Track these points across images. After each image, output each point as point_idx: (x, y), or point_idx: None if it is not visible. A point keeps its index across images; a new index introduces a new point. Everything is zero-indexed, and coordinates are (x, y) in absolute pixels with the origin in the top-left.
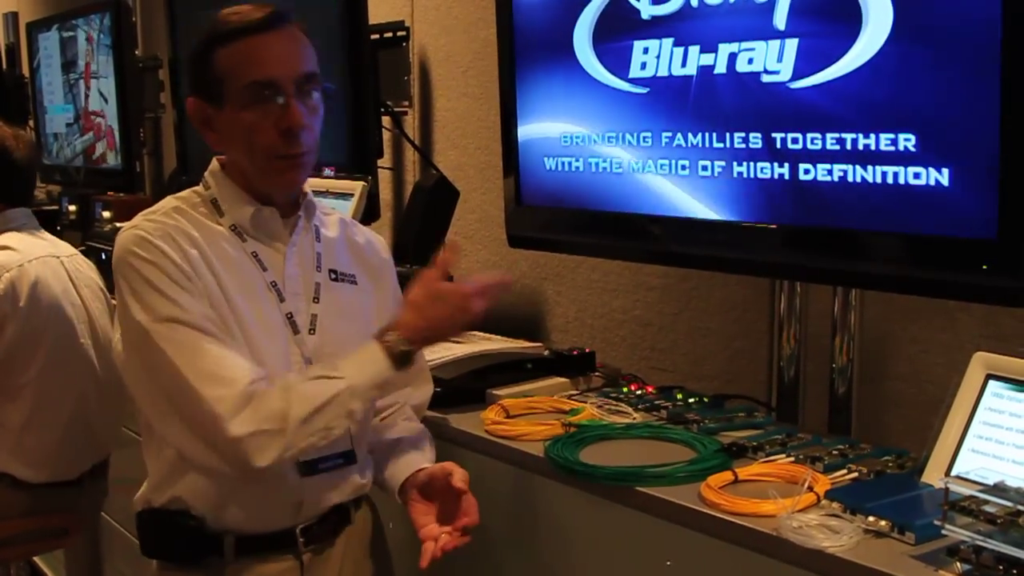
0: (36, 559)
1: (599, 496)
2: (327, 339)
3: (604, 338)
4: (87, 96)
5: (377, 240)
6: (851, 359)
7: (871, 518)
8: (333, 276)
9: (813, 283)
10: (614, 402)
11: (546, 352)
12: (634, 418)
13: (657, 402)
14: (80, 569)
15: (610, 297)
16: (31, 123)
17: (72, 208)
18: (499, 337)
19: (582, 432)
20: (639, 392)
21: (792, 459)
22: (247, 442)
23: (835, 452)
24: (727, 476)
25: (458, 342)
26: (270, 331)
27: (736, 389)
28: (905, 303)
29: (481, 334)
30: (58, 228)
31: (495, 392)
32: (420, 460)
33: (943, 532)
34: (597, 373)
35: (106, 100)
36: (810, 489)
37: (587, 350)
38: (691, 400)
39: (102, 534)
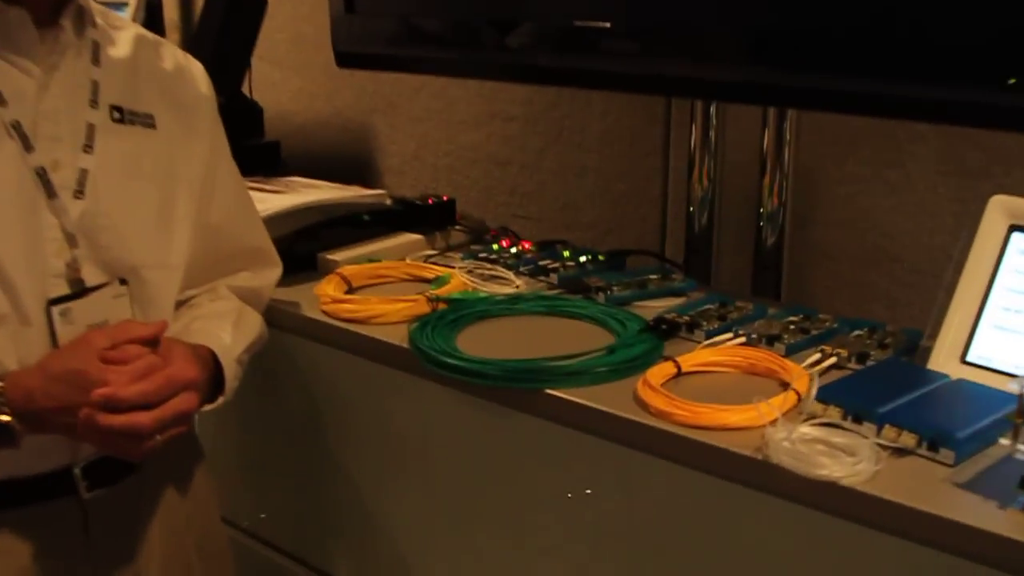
0: None
1: (490, 401)
2: (104, 206)
3: (450, 181)
4: None
5: (195, 67)
6: (783, 202)
7: (887, 429)
8: (117, 115)
9: (735, 103)
10: (487, 265)
11: (389, 201)
12: (517, 286)
13: (541, 263)
14: None
15: (458, 130)
16: None
17: None
18: (325, 183)
19: (455, 309)
20: (514, 250)
21: (742, 339)
22: None
23: (792, 327)
24: (667, 368)
25: (276, 190)
26: (4, 195)
27: (620, 241)
28: (840, 129)
29: (302, 179)
30: None
31: (330, 257)
32: (204, 339)
33: (1019, 454)
34: (458, 227)
35: None
36: (785, 386)
37: (444, 198)
38: (583, 259)
39: None
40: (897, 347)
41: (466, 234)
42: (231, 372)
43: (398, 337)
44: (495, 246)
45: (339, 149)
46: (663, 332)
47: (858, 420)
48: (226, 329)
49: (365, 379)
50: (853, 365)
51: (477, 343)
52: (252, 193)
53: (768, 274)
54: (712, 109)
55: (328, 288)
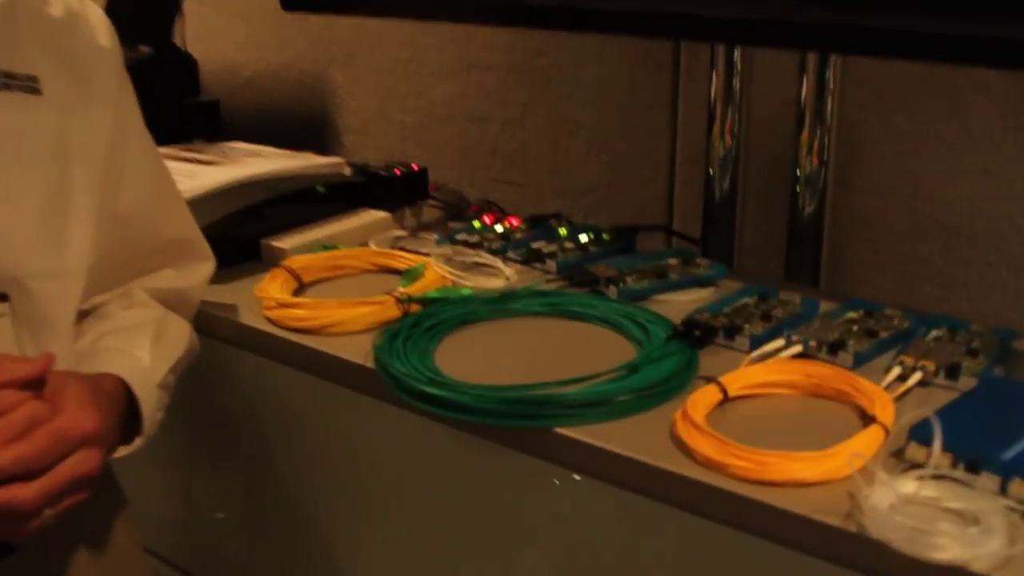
0: None
1: (482, 438)
2: None
3: (420, 141)
4: None
5: (92, 12)
6: (824, 162)
7: (1018, 483)
8: None
9: (767, 47)
10: (469, 250)
11: (347, 171)
12: (507, 278)
13: (534, 245)
14: None
15: (428, 83)
16: None
17: None
18: (270, 150)
19: (432, 314)
20: (499, 228)
21: (797, 347)
22: None
23: (854, 328)
24: (711, 395)
25: (210, 161)
26: None
27: (620, 211)
28: (885, 76)
29: (243, 145)
30: None
31: (276, 244)
32: (113, 365)
33: None
34: (431, 200)
35: None
36: (865, 416)
37: (414, 166)
38: (584, 239)
39: None
40: (989, 353)
41: (441, 210)
42: (151, 403)
43: (361, 352)
44: (476, 223)
45: (291, 108)
46: (696, 340)
47: (973, 469)
48: (143, 346)
49: (321, 403)
50: (942, 381)
51: (462, 359)
52: (181, 166)
53: (805, 249)
54: (736, 54)
55: (272, 288)
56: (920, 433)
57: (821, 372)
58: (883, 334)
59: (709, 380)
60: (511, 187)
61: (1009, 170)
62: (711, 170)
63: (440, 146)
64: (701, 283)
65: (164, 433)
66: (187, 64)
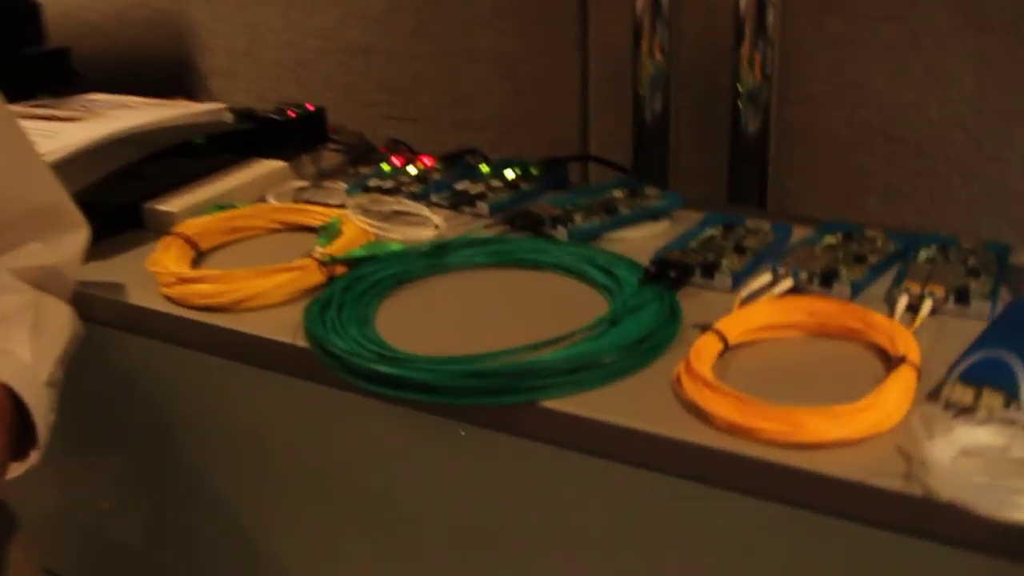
0: None
1: (450, 418)
2: None
3: (298, 80)
4: None
5: None
6: (768, 76)
7: None
8: None
9: None
10: (387, 196)
11: (229, 117)
12: (437, 227)
13: (458, 186)
14: None
15: (301, 14)
16: None
17: None
18: (136, 99)
19: (361, 277)
20: (413, 170)
21: (788, 280)
22: None
23: (840, 254)
24: (710, 344)
25: (71, 117)
26: None
27: (529, 142)
28: None
29: (105, 97)
30: None
31: (162, 208)
32: None
33: None
34: (332, 145)
35: None
36: (885, 357)
37: (310, 107)
38: (510, 175)
39: None
40: (990, 272)
41: (344, 154)
42: (42, 406)
43: (287, 328)
44: (386, 166)
45: (147, 51)
46: (673, 281)
47: None
48: (21, 340)
49: (240, 392)
50: (952, 307)
51: (407, 327)
52: (38, 124)
53: (749, 169)
54: None
55: (167, 260)
56: (972, 372)
57: (824, 308)
58: (872, 259)
59: (703, 329)
60: (405, 124)
61: (958, 71)
62: (640, 91)
63: (320, 84)
64: (654, 216)
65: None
66: (28, 7)
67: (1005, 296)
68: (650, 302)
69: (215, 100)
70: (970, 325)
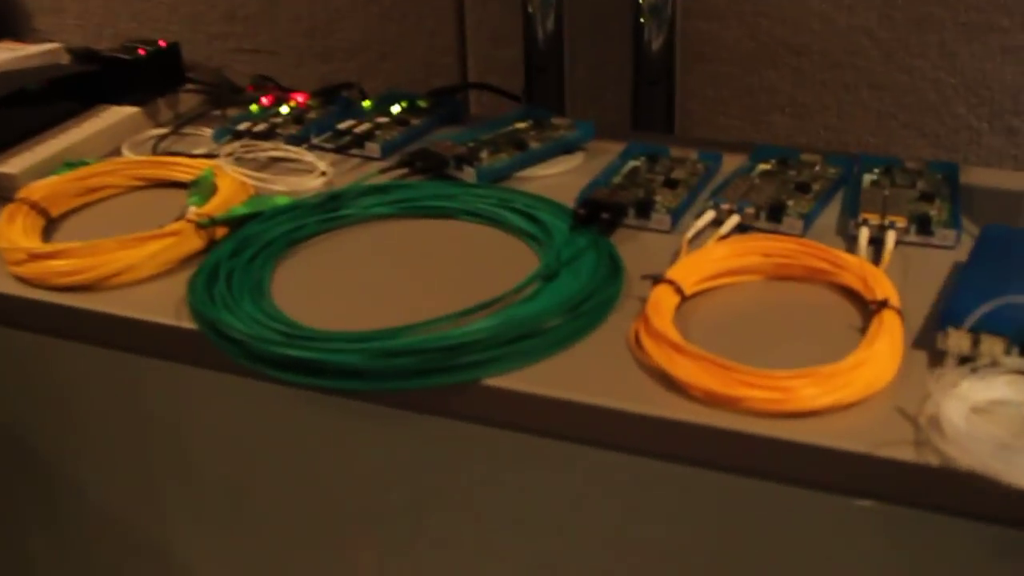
0: None
1: (376, 403)
2: None
3: (134, 12)
4: None
5: None
6: None
7: None
8: None
9: None
10: (262, 142)
11: (66, 57)
12: (324, 173)
13: (341, 126)
14: None
15: None
16: None
17: None
18: None
19: (247, 239)
20: (286, 109)
21: (735, 217)
22: None
23: (782, 183)
24: (666, 296)
25: None
26: None
27: (401, 71)
28: None
29: None
30: None
31: (3, 171)
32: None
33: None
34: (190, 85)
35: None
36: (859, 300)
37: (160, 42)
38: (396, 108)
39: None
40: (943, 195)
41: (204, 95)
42: None
43: (167, 307)
44: (254, 107)
45: None
46: (606, 225)
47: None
48: None
49: (115, 387)
50: (914, 238)
51: (308, 297)
52: None
53: (655, 91)
54: None
55: (12, 232)
56: (956, 314)
57: (780, 248)
58: (816, 187)
59: (655, 280)
60: (259, 56)
61: None
62: (530, 8)
63: (161, 17)
64: (568, 149)
65: None
66: None
67: (965, 222)
68: (586, 251)
69: (46, 40)
70: (936, 256)
